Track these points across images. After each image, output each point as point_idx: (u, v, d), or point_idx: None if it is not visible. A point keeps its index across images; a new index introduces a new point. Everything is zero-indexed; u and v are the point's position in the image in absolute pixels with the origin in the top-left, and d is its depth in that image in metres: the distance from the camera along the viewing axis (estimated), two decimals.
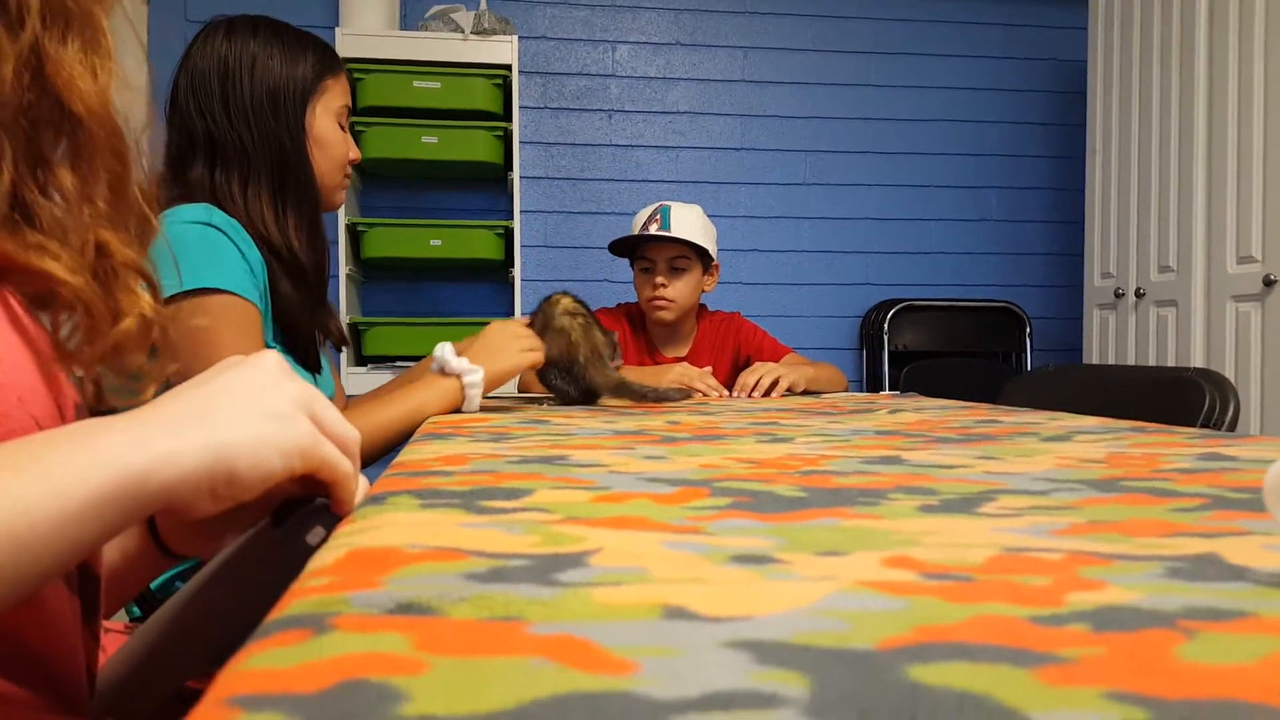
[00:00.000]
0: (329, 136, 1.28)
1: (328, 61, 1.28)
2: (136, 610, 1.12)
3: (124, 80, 0.52)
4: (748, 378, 1.65)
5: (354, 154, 1.34)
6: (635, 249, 1.99)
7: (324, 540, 0.48)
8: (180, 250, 1.08)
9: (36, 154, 0.49)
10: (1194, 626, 0.29)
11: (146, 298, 0.52)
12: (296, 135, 1.24)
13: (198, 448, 0.42)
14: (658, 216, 1.95)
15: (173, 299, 1.05)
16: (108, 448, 0.39)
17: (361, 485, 0.53)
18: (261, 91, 1.21)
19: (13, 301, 0.47)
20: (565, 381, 1.39)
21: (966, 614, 0.30)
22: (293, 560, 0.46)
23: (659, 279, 1.94)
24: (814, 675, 0.24)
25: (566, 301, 1.43)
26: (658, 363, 1.99)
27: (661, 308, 1.95)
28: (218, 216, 1.13)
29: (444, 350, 1.26)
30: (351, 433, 0.51)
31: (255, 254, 1.15)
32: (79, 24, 0.50)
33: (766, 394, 1.63)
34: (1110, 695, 0.23)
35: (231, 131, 1.20)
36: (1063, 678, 0.24)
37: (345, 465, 0.49)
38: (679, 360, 1.96)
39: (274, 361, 0.49)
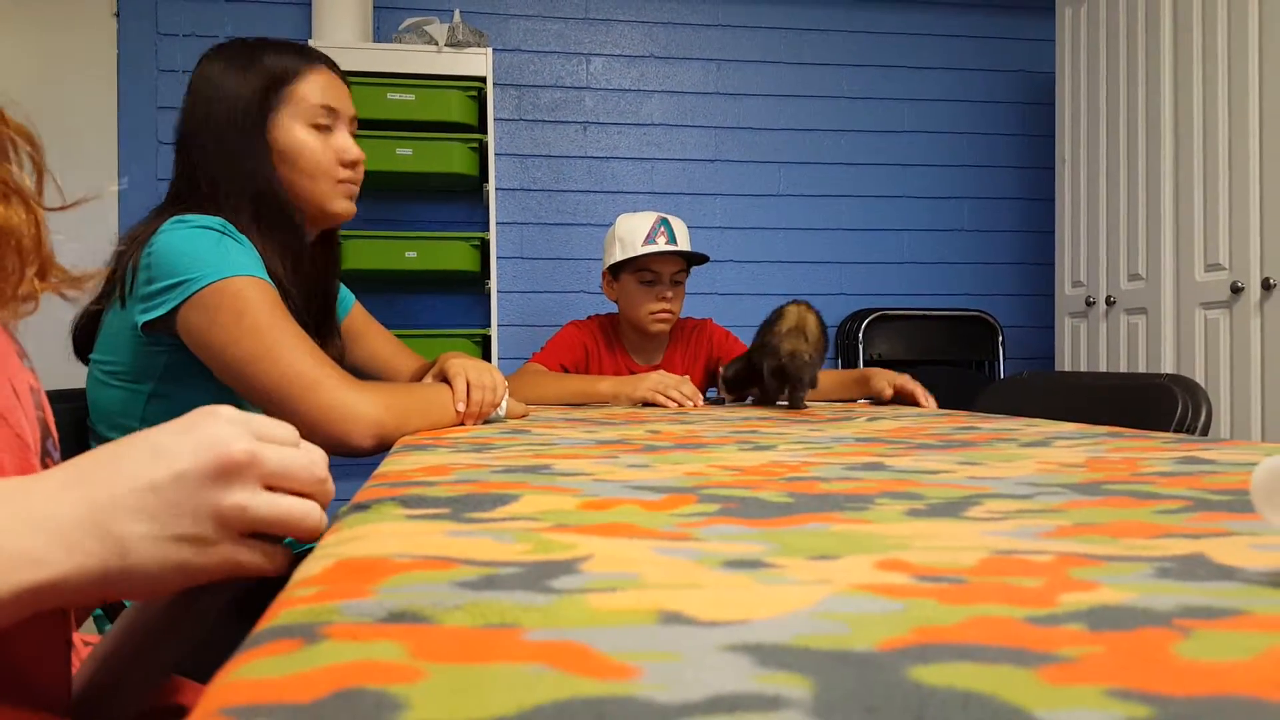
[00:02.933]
0: (301, 145, 1.19)
1: (288, 64, 1.19)
2: (98, 609, 1.10)
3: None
4: (911, 385, 1.84)
5: (350, 154, 1.23)
6: (634, 261, 1.97)
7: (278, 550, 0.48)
8: (193, 248, 1.05)
9: None
10: (1189, 625, 0.29)
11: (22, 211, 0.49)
12: (263, 157, 1.17)
13: (102, 571, 0.41)
14: (663, 230, 1.95)
15: (192, 295, 1.03)
16: (12, 560, 0.39)
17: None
18: (219, 115, 1.16)
19: None
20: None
21: (963, 615, 0.30)
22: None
23: (668, 292, 1.96)
24: (816, 677, 0.24)
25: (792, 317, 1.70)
26: (633, 372, 1.99)
27: (665, 320, 1.96)
28: (232, 230, 1.10)
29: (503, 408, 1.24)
30: (302, 503, 0.48)
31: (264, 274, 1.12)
32: None
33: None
34: (1112, 693, 0.23)
35: (214, 163, 1.15)
36: (1064, 677, 0.24)
37: (271, 551, 0.47)
38: (654, 369, 1.96)
39: (217, 459, 0.44)
